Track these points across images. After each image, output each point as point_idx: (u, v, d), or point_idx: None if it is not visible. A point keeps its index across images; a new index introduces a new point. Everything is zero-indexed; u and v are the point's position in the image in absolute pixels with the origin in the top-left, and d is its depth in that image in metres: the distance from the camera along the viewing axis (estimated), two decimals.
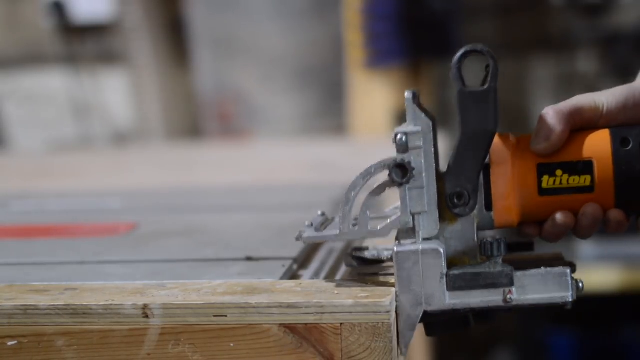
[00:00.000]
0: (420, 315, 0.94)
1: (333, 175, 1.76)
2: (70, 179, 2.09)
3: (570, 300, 0.94)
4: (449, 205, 0.95)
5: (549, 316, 2.93)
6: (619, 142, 0.98)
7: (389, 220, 0.95)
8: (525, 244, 1.06)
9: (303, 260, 1.14)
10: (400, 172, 0.94)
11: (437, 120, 0.97)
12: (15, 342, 0.93)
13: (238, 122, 2.91)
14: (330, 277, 1.07)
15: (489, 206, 0.97)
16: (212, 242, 1.13)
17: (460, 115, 0.94)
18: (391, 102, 2.62)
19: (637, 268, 2.68)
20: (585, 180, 0.98)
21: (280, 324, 0.91)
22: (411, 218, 0.94)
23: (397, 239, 0.95)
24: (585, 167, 0.98)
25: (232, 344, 0.92)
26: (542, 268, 0.94)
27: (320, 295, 0.93)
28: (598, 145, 0.99)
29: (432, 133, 0.94)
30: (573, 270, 0.98)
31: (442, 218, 0.95)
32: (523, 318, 2.95)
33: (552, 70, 2.98)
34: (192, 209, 1.49)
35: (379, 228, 0.95)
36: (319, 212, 1.04)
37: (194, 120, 3.14)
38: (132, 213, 1.49)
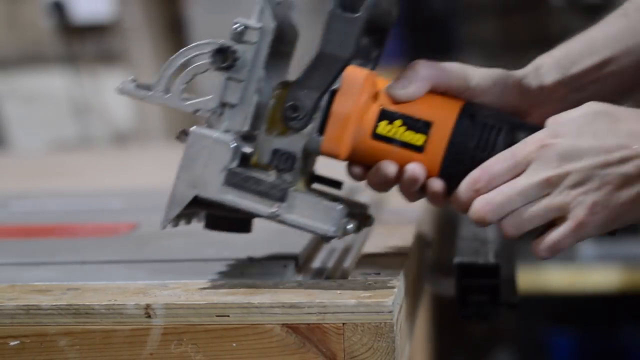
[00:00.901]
0: (192, 197, 0.95)
1: (333, 175, 1.76)
2: (70, 179, 2.09)
3: (331, 235, 0.94)
4: (284, 114, 0.96)
5: (549, 316, 2.93)
6: (466, 116, 0.99)
7: (199, 99, 0.96)
8: (335, 181, 1.06)
9: (305, 260, 1.14)
10: (221, 56, 0.94)
11: (298, 35, 1.01)
12: (18, 342, 0.93)
13: None
14: (332, 277, 1.07)
15: (322, 130, 0.98)
16: (213, 242, 1.13)
17: (323, 34, 0.95)
18: None
19: (637, 268, 2.68)
20: (419, 139, 0.99)
21: (283, 324, 0.91)
22: (219, 105, 0.95)
23: (207, 121, 0.96)
24: (424, 126, 0.99)
25: (234, 344, 0.92)
26: (317, 197, 0.95)
27: (323, 295, 0.93)
28: (446, 111, 1.00)
29: (274, 36, 0.95)
30: (354, 215, 1.00)
31: (276, 126, 0.96)
32: (523, 318, 2.95)
33: None
34: None
35: (186, 103, 0.96)
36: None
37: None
38: (133, 213, 1.49)
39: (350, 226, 0.96)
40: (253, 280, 1.01)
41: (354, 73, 0.98)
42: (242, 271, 1.08)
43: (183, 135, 0.97)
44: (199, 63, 0.96)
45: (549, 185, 0.95)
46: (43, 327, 0.93)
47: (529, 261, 2.67)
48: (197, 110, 0.96)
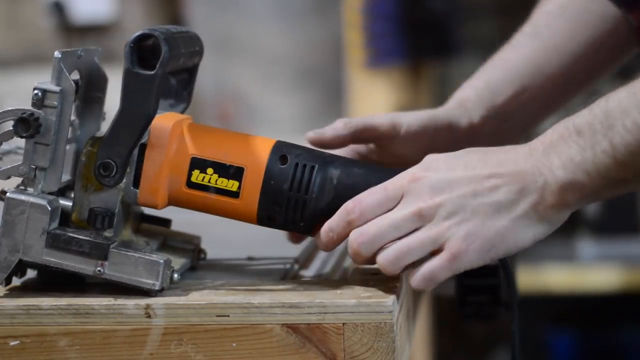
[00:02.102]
0: (16, 262, 0.95)
1: None
2: None
3: (157, 289, 0.95)
4: (96, 173, 0.97)
5: (549, 316, 2.93)
6: (277, 158, 0.99)
7: (8, 166, 0.97)
8: (164, 219, 1.08)
9: (305, 260, 1.14)
10: (24, 125, 0.95)
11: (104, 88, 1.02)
12: (18, 342, 0.93)
13: (238, 122, 2.91)
14: (332, 276, 1.07)
15: (137, 184, 0.98)
16: (214, 242, 1.13)
17: (122, 93, 0.96)
18: (391, 102, 2.62)
19: (637, 268, 2.68)
20: (233, 185, 0.99)
21: (283, 324, 0.91)
22: (31, 170, 0.96)
23: (22, 184, 0.97)
24: (236, 172, 0.99)
25: (234, 344, 0.92)
26: (138, 253, 0.96)
27: (323, 295, 0.93)
28: (256, 155, 0.99)
29: (74, 96, 0.96)
30: (186, 251, 1.04)
31: (91, 182, 0.97)
32: (523, 318, 2.94)
33: None
34: None
35: None
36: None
37: (194, 120, 3.13)
38: None
39: (176, 276, 0.98)
40: (253, 280, 1.01)
41: (161, 124, 0.99)
42: (242, 271, 1.08)
43: (2, 195, 0.98)
44: (5, 130, 0.97)
45: (421, 217, 0.94)
46: (43, 327, 0.93)
47: (529, 261, 2.66)
48: (8, 177, 0.97)
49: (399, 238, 0.95)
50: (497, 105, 1.16)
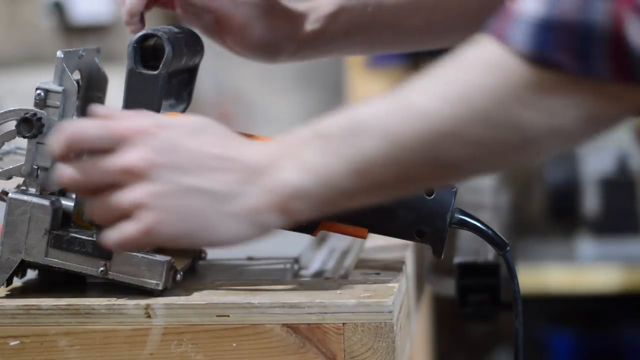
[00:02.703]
0: (18, 262, 0.95)
1: None
2: None
3: (160, 289, 0.95)
4: None
5: (549, 316, 2.93)
6: None
7: (10, 166, 0.97)
8: None
9: (305, 260, 1.14)
10: (27, 125, 0.95)
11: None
12: (18, 342, 0.93)
13: (238, 122, 2.90)
14: (332, 276, 1.07)
15: None
16: None
17: (125, 93, 0.96)
18: None
19: (637, 268, 2.68)
20: None
21: (283, 324, 0.91)
22: (34, 170, 0.96)
23: (23, 184, 0.97)
24: None
25: (234, 344, 0.92)
26: (141, 253, 0.95)
27: (323, 295, 0.93)
28: None
29: (76, 96, 0.96)
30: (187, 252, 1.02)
31: None
32: (523, 318, 2.94)
33: None
34: None
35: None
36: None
37: None
38: None
39: (179, 276, 0.97)
40: (253, 280, 1.01)
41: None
42: (242, 271, 1.08)
43: (4, 195, 0.97)
44: (8, 130, 0.97)
45: (131, 174, 0.86)
46: (43, 327, 0.93)
47: (529, 261, 2.66)
48: (10, 177, 0.97)
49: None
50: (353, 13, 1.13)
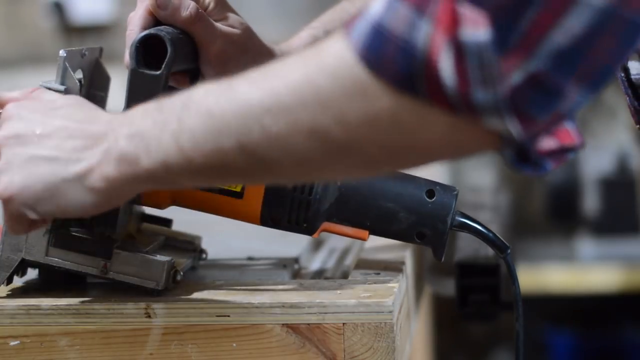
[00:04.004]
0: (19, 260, 0.95)
1: None
2: None
3: (160, 289, 0.95)
4: None
5: (549, 316, 2.93)
6: None
7: None
8: (165, 219, 1.08)
9: (305, 260, 1.14)
10: None
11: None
12: (18, 342, 0.93)
13: None
14: (332, 276, 1.07)
15: None
16: (213, 242, 1.13)
17: (127, 93, 0.95)
18: None
19: (637, 268, 2.68)
20: (237, 185, 1.00)
21: (283, 324, 0.91)
22: None
23: None
24: None
25: (234, 344, 0.92)
26: (142, 253, 0.96)
27: (323, 295, 0.93)
28: None
29: (78, 95, 0.96)
30: (187, 251, 1.03)
31: None
32: (523, 318, 2.94)
33: None
34: None
35: None
36: None
37: None
38: None
39: (179, 276, 0.97)
40: (253, 280, 1.01)
41: None
42: (242, 271, 1.08)
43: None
44: None
45: None
46: (43, 327, 0.93)
47: (529, 261, 2.67)
48: None
49: None
50: None
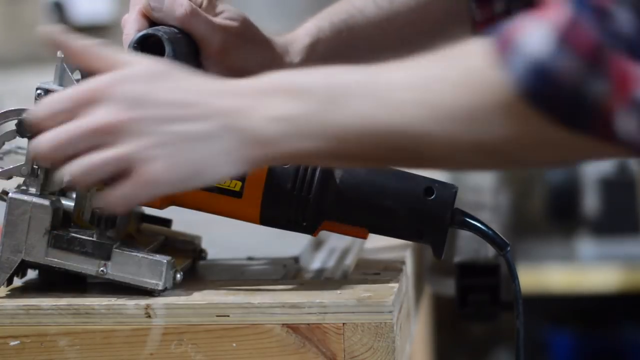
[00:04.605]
0: (19, 262, 0.95)
1: None
2: None
3: (160, 289, 0.95)
4: None
5: (549, 316, 2.93)
6: None
7: (10, 166, 0.97)
8: (164, 219, 1.08)
9: (305, 260, 1.14)
10: (28, 125, 0.94)
11: None
12: (18, 342, 0.93)
13: None
14: (332, 276, 1.07)
15: None
16: (213, 242, 1.13)
17: None
18: None
19: (637, 268, 2.69)
20: (236, 185, 0.99)
21: (283, 324, 0.91)
22: (34, 169, 0.95)
23: (23, 184, 0.96)
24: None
25: (234, 344, 0.92)
26: (142, 253, 0.96)
27: (323, 294, 0.93)
28: None
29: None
30: (187, 251, 1.04)
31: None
32: (523, 318, 2.94)
33: None
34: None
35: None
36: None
37: None
38: None
39: (178, 276, 0.97)
40: (253, 280, 1.01)
41: None
42: (242, 271, 1.08)
43: (4, 195, 0.97)
44: (7, 130, 0.97)
45: (110, 132, 0.87)
46: (43, 327, 0.93)
47: (529, 261, 2.67)
48: (10, 177, 0.97)
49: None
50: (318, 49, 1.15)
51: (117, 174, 0.88)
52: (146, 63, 0.91)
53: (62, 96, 0.90)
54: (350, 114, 0.85)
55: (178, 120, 0.87)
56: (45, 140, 0.89)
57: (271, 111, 0.87)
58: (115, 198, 0.88)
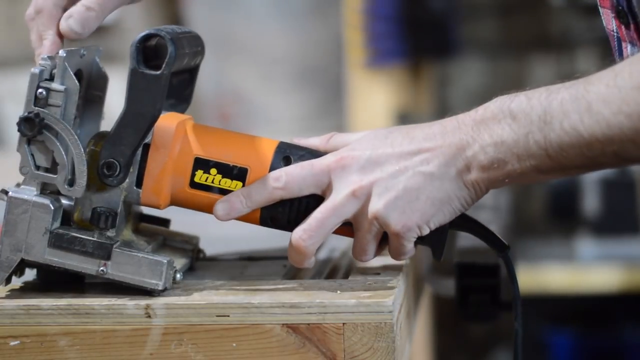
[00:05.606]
0: (18, 261, 0.95)
1: None
2: None
3: (160, 289, 0.95)
4: (99, 172, 0.96)
5: (549, 316, 2.93)
6: (280, 158, 0.99)
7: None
8: (163, 219, 1.08)
9: None
10: (29, 124, 0.95)
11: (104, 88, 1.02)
12: (18, 342, 0.93)
13: (238, 122, 2.91)
14: (332, 276, 1.07)
15: (140, 183, 0.98)
16: (213, 242, 1.13)
17: (127, 93, 0.95)
18: (391, 102, 2.62)
19: (637, 268, 2.68)
20: (236, 185, 0.99)
21: (283, 324, 0.91)
22: (34, 169, 0.96)
23: (23, 182, 0.97)
24: (240, 173, 0.99)
25: (234, 344, 0.92)
26: (141, 253, 0.96)
27: (323, 295, 0.93)
28: (261, 155, 0.99)
29: (77, 95, 0.96)
30: (186, 251, 1.05)
31: (93, 182, 0.97)
32: (523, 318, 2.94)
33: (552, 70, 2.98)
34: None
35: None
36: None
37: (194, 120, 3.13)
38: None
39: (178, 276, 0.98)
40: (253, 280, 1.01)
41: (165, 125, 0.99)
42: (242, 271, 1.08)
43: (4, 194, 0.97)
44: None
45: (356, 197, 0.96)
46: (43, 327, 0.93)
47: (529, 261, 2.66)
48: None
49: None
50: None
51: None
52: (363, 134, 1.00)
53: (299, 167, 0.98)
54: (562, 132, 0.91)
55: (407, 170, 0.95)
56: (302, 231, 0.97)
57: (490, 138, 0.93)
58: (393, 254, 0.99)
